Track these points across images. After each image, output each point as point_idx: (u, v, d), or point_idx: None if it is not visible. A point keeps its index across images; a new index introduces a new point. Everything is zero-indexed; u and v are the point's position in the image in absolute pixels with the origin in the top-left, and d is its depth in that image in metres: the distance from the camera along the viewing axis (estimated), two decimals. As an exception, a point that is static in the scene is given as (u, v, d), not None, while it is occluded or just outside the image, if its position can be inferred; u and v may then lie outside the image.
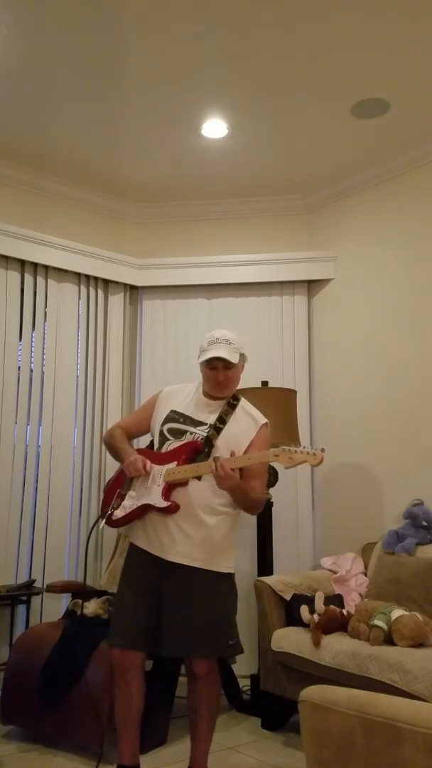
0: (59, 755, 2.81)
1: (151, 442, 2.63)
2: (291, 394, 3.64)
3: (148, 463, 2.46)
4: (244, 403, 2.58)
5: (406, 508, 3.43)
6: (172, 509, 2.38)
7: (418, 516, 3.32)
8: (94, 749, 2.76)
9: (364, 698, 1.32)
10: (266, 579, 3.17)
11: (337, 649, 2.70)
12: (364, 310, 4.03)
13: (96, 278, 4.26)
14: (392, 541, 3.31)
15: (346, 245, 4.20)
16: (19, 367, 3.93)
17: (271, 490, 3.54)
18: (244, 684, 3.54)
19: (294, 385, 4.11)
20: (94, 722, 2.72)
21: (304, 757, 1.43)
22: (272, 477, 3.47)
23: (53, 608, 3.78)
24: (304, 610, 2.98)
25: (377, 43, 2.95)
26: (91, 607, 3.21)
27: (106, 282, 4.32)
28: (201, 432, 2.48)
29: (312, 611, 2.97)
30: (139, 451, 2.56)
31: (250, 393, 3.14)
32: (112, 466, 4.07)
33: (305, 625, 2.95)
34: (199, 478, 2.40)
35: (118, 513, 2.49)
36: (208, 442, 2.44)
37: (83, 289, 4.23)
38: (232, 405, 2.54)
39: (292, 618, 3.05)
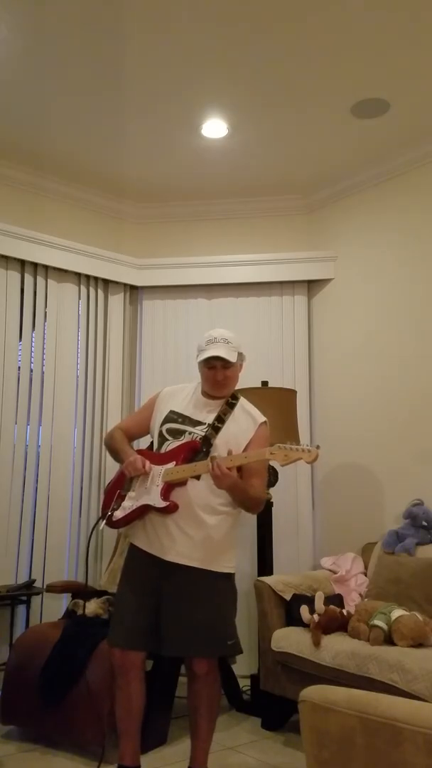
0: (59, 755, 2.81)
1: (151, 443, 2.63)
2: (291, 394, 3.64)
3: (147, 463, 2.46)
4: (243, 402, 2.58)
5: (406, 508, 3.43)
6: (171, 509, 2.38)
7: (418, 516, 3.32)
8: (94, 749, 2.76)
9: (364, 698, 1.32)
10: (266, 579, 3.17)
11: (337, 649, 2.70)
12: (364, 310, 4.03)
13: (96, 278, 4.26)
14: (392, 541, 3.31)
15: (346, 245, 4.20)
16: (19, 367, 3.93)
17: (271, 490, 3.54)
18: (244, 684, 3.54)
19: (294, 385, 4.11)
20: (94, 722, 2.72)
21: (304, 757, 1.43)
22: (272, 477, 3.47)
23: (53, 608, 3.78)
24: (304, 610, 2.98)
25: (377, 43, 2.95)
26: (91, 607, 3.21)
27: (106, 282, 4.32)
28: (199, 432, 2.48)
29: (312, 611, 2.97)
30: (139, 451, 2.56)
31: (250, 393, 3.14)
32: (112, 467, 4.07)
33: (305, 625, 2.94)
34: (198, 477, 2.40)
35: (118, 514, 2.49)
36: (207, 442, 2.44)
37: (83, 289, 4.23)
38: (230, 404, 2.54)
39: (292, 618, 3.05)
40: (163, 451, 2.50)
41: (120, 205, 4.49)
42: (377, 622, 2.70)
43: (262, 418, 2.56)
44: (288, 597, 3.12)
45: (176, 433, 2.50)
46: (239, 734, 3.11)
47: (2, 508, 3.74)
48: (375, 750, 1.27)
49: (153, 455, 2.51)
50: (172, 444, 2.49)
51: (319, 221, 4.39)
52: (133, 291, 4.47)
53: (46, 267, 4.06)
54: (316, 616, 2.91)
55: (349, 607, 3.11)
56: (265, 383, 3.73)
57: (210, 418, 2.50)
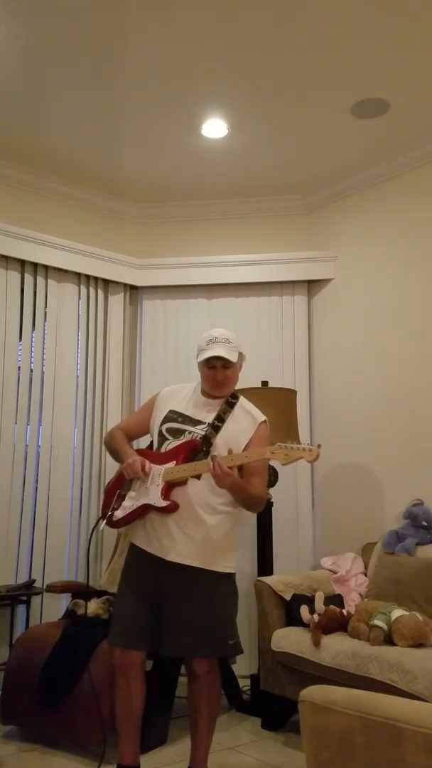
0: (59, 755, 2.81)
1: (152, 442, 2.63)
2: (291, 394, 3.64)
3: (147, 463, 2.46)
4: (243, 401, 2.58)
5: (406, 508, 3.43)
6: (171, 509, 2.38)
7: (418, 516, 3.32)
8: (94, 749, 2.76)
9: (364, 698, 1.32)
10: (266, 579, 3.17)
11: (337, 649, 2.70)
12: (364, 310, 4.03)
13: (96, 278, 4.26)
14: (392, 541, 3.31)
15: (346, 245, 4.20)
16: (19, 367, 3.93)
17: (271, 490, 3.53)
18: (244, 684, 3.55)
19: (294, 385, 4.11)
20: (94, 722, 2.72)
21: (304, 757, 1.43)
22: (272, 477, 3.47)
23: (53, 608, 3.79)
24: (304, 610, 2.98)
25: (377, 43, 2.95)
26: (91, 607, 3.21)
27: (106, 282, 4.32)
28: (199, 431, 2.48)
29: (312, 611, 2.97)
30: (139, 451, 2.56)
31: (250, 393, 3.13)
32: (112, 467, 4.07)
33: (305, 625, 2.94)
34: (198, 477, 2.40)
35: (119, 513, 2.49)
36: (207, 441, 2.44)
37: (83, 289, 4.23)
38: (230, 403, 2.54)
39: (292, 618, 3.05)
40: (163, 450, 2.50)
41: (120, 205, 4.49)
42: (377, 622, 2.70)
43: (262, 417, 2.56)
44: (288, 597, 3.12)
45: (176, 433, 2.50)
46: (239, 734, 3.11)
47: (2, 508, 3.74)
48: (375, 750, 1.27)
49: (153, 455, 2.51)
50: (172, 443, 2.49)
51: (319, 221, 4.39)
52: (133, 291, 4.47)
53: (46, 267, 4.06)
54: (316, 616, 2.91)
55: (349, 607, 3.11)
56: (265, 383, 3.73)
57: (210, 418, 2.50)
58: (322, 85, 3.26)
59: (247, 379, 2.65)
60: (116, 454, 2.61)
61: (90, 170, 4.11)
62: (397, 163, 3.89)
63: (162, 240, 4.54)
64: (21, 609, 3.72)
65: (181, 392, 2.63)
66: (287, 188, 4.32)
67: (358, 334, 4.04)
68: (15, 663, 2.99)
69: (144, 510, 2.44)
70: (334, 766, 1.34)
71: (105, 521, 2.53)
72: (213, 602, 2.40)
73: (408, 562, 3.16)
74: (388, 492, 3.75)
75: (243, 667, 3.63)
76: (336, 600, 3.13)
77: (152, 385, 4.26)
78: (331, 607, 2.96)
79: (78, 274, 4.20)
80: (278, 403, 3.45)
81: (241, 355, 2.55)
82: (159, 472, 2.43)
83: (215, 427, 2.47)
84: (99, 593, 3.40)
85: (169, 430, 2.52)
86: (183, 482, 2.41)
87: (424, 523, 3.31)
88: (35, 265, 4.03)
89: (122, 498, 2.51)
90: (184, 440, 2.47)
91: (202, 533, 2.39)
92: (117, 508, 2.50)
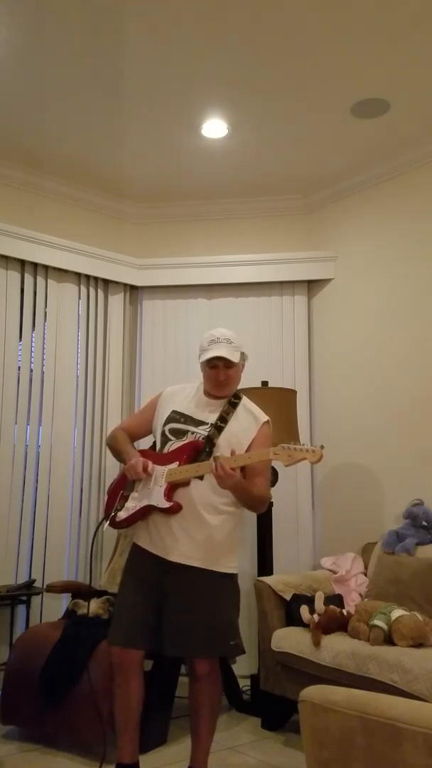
0: (59, 755, 2.81)
1: (154, 443, 2.63)
2: (291, 394, 3.64)
3: (150, 464, 2.45)
4: (245, 401, 2.58)
5: (406, 508, 3.43)
6: (174, 509, 2.38)
7: (418, 516, 3.32)
8: (95, 749, 2.76)
9: (364, 698, 1.32)
10: (266, 579, 3.17)
11: (337, 649, 2.70)
12: (364, 310, 4.03)
13: (96, 278, 4.26)
14: (392, 541, 3.31)
15: (346, 245, 4.20)
16: (19, 367, 3.93)
17: (272, 490, 3.53)
18: (244, 684, 3.55)
19: (294, 385, 4.11)
20: (94, 722, 2.72)
21: (304, 757, 1.43)
22: (272, 477, 3.47)
23: (53, 608, 3.79)
24: (304, 610, 2.98)
25: (377, 42, 2.95)
26: (92, 607, 3.21)
27: (106, 282, 4.32)
28: (202, 431, 2.48)
29: (312, 611, 2.97)
30: (141, 452, 2.56)
31: (250, 393, 3.13)
32: (112, 467, 4.08)
33: (305, 625, 2.94)
34: (201, 477, 2.40)
35: (122, 514, 2.49)
36: (210, 442, 2.44)
37: (83, 289, 4.23)
38: (233, 404, 2.54)
39: (292, 618, 3.05)
40: (165, 451, 2.50)
41: (120, 205, 4.49)
42: (377, 622, 2.70)
43: (265, 418, 2.56)
44: (288, 597, 3.12)
45: (179, 433, 2.50)
46: (239, 734, 3.11)
47: (2, 508, 3.74)
48: (375, 750, 1.27)
49: (156, 455, 2.51)
50: (174, 444, 2.49)
51: (319, 221, 4.39)
52: (133, 291, 4.47)
53: (46, 267, 4.06)
54: (316, 616, 2.91)
55: (349, 607, 3.11)
56: (265, 383, 3.73)
57: (212, 418, 2.50)
58: (322, 85, 3.26)
59: (247, 379, 2.65)
60: (119, 455, 2.61)
61: (90, 170, 4.11)
62: (397, 163, 3.89)
63: (162, 240, 4.54)
64: (21, 609, 3.72)
65: (183, 392, 2.63)
66: (287, 188, 4.32)
67: (358, 334, 4.04)
68: (15, 663, 2.99)
69: (147, 511, 2.44)
70: (334, 766, 1.34)
71: (108, 522, 2.53)
72: (215, 603, 2.40)
73: (408, 562, 3.16)
74: (388, 492, 3.75)
75: (243, 667, 3.63)
76: (336, 600, 3.13)
77: (152, 385, 4.27)
78: (331, 607, 2.96)
79: (78, 274, 4.20)
80: (278, 403, 3.45)
81: (243, 355, 2.55)
82: (162, 473, 2.43)
83: (218, 427, 2.47)
84: (99, 593, 3.40)
85: (172, 431, 2.52)
86: (186, 483, 2.40)
87: (424, 523, 3.31)
88: (35, 265, 4.03)
89: (125, 499, 2.51)
90: (186, 441, 2.47)
91: (204, 533, 2.39)
92: (120, 509, 2.50)
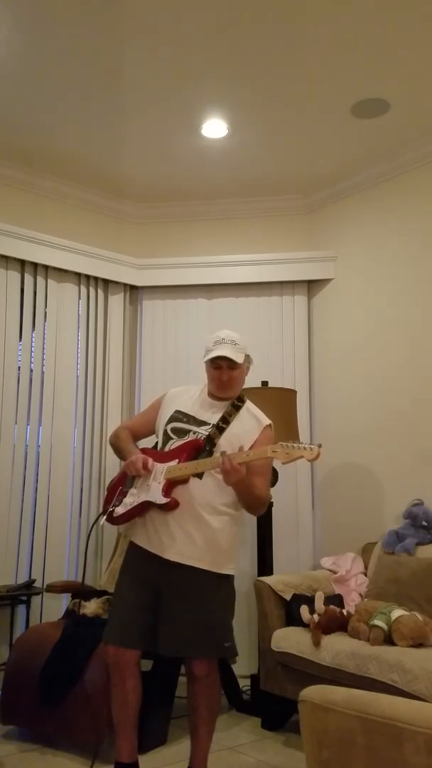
0: (59, 755, 2.81)
1: (156, 442, 2.64)
2: (291, 394, 3.64)
3: (150, 461, 2.46)
4: (249, 404, 2.59)
5: (406, 508, 3.43)
6: (171, 506, 2.38)
7: (418, 516, 3.32)
8: (94, 749, 2.76)
9: (364, 698, 1.32)
10: (266, 579, 3.17)
11: (337, 649, 2.70)
12: (364, 310, 4.03)
13: (96, 278, 4.26)
14: (392, 541, 3.31)
15: (346, 245, 4.20)
16: (19, 367, 3.93)
17: (271, 490, 3.53)
18: (244, 684, 3.54)
19: (294, 385, 4.11)
20: (93, 722, 2.72)
21: (304, 757, 1.43)
22: (272, 477, 3.46)
23: (53, 608, 3.79)
24: (304, 610, 2.98)
25: (377, 43, 2.95)
26: (91, 607, 3.21)
27: (106, 282, 4.32)
28: (204, 431, 2.48)
29: (312, 611, 2.97)
30: (143, 450, 2.57)
31: (250, 393, 3.13)
32: (112, 467, 4.08)
33: (305, 625, 2.94)
34: (200, 476, 2.40)
35: (119, 510, 2.49)
36: (210, 441, 2.45)
37: (83, 289, 4.23)
38: (236, 406, 2.54)
39: (292, 618, 3.05)
40: (166, 449, 2.50)
41: (120, 205, 4.49)
42: (377, 622, 2.70)
43: (267, 421, 2.56)
44: (288, 597, 3.12)
45: (181, 432, 2.51)
46: (239, 734, 3.10)
47: (2, 508, 3.74)
48: (375, 750, 1.27)
49: (156, 453, 2.52)
50: (176, 442, 2.49)
51: (319, 221, 4.39)
52: (133, 291, 4.47)
53: (46, 267, 4.06)
54: (316, 616, 2.91)
55: (349, 607, 3.11)
56: (265, 383, 3.74)
57: (215, 419, 2.50)
58: (322, 85, 3.26)
59: (247, 378, 2.65)
60: (120, 453, 2.62)
61: (90, 170, 4.11)
62: (397, 163, 3.89)
63: (162, 240, 4.54)
64: (21, 609, 3.72)
65: (187, 393, 2.64)
66: (287, 188, 4.31)
67: (358, 334, 4.04)
68: (15, 663, 3.00)
69: (144, 507, 2.44)
70: (334, 766, 1.34)
71: (105, 517, 2.53)
72: (210, 603, 2.39)
73: (408, 562, 3.16)
74: (388, 492, 3.75)
75: (243, 667, 3.63)
76: (336, 600, 3.13)
77: (152, 385, 4.27)
78: (331, 607, 2.96)
79: (78, 274, 4.20)
80: (278, 403, 3.45)
81: (247, 358, 2.56)
82: (161, 470, 2.43)
83: (219, 428, 2.47)
84: (99, 593, 3.40)
85: (174, 430, 2.52)
86: (185, 481, 2.41)
87: (424, 523, 3.31)
88: (35, 265, 4.03)
89: (124, 495, 2.52)
90: (187, 439, 2.48)
91: (202, 533, 2.39)
92: (118, 505, 2.50)
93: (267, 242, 4.41)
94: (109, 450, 2.75)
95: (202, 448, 2.44)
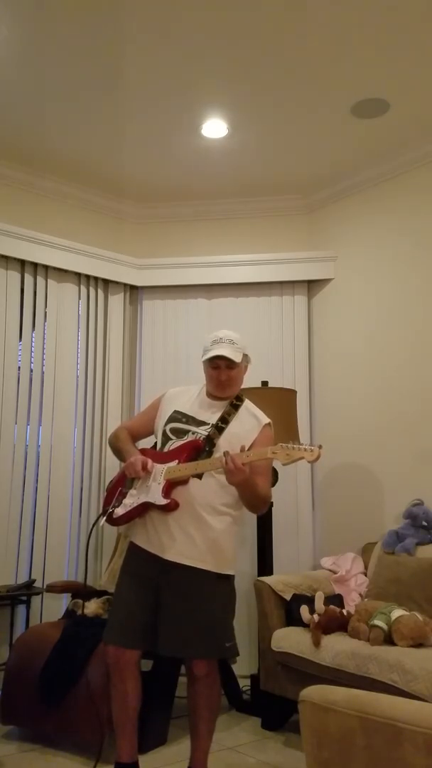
0: (59, 755, 2.81)
1: (155, 443, 2.63)
2: (291, 394, 3.64)
3: (150, 462, 2.46)
4: (248, 404, 2.58)
5: (406, 508, 3.43)
6: (171, 507, 2.38)
7: (418, 516, 3.32)
8: (94, 749, 2.76)
9: (364, 698, 1.32)
10: (266, 579, 3.17)
11: (337, 649, 2.70)
12: (364, 310, 4.03)
13: (96, 278, 4.26)
14: (392, 541, 3.31)
15: (346, 245, 4.20)
16: (19, 367, 3.93)
17: (272, 490, 3.53)
18: (244, 684, 3.55)
19: (294, 385, 4.11)
20: (94, 722, 2.72)
21: (304, 757, 1.43)
22: (273, 477, 3.47)
23: (53, 608, 3.79)
24: (304, 610, 2.98)
25: (377, 43, 2.95)
26: (91, 607, 3.21)
27: (106, 282, 4.32)
28: (203, 431, 2.48)
29: (312, 611, 2.97)
30: (142, 450, 2.56)
31: (250, 393, 3.13)
32: (112, 467, 4.08)
33: (305, 625, 2.94)
34: (200, 476, 2.40)
35: (119, 511, 2.49)
36: (210, 441, 2.45)
37: (83, 289, 4.23)
38: (235, 405, 2.54)
39: (292, 618, 3.05)
40: (166, 450, 2.50)
41: (120, 205, 4.49)
42: (377, 622, 2.70)
43: (267, 420, 2.56)
44: (288, 597, 3.12)
45: (180, 433, 2.51)
46: (239, 734, 3.11)
47: (2, 508, 3.74)
48: (375, 750, 1.27)
49: (156, 454, 2.52)
50: (175, 443, 2.49)
51: (319, 221, 4.39)
52: (133, 291, 4.47)
53: (46, 267, 4.06)
54: (316, 616, 2.91)
55: (349, 607, 3.11)
56: (265, 383, 3.73)
57: (214, 419, 2.50)
58: (322, 85, 3.26)
59: (247, 378, 2.65)
60: (119, 454, 2.62)
61: (90, 170, 4.11)
62: (397, 163, 3.89)
63: (162, 240, 4.54)
64: (21, 609, 3.72)
65: (186, 394, 2.64)
66: (287, 188, 4.31)
67: (358, 334, 4.04)
68: (15, 663, 3.00)
69: (144, 508, 2.44)
70: (334, 766, 1.34)
71: (105, 518, 2.53)
72: (211, 604, 2.39)
73: (408, 562, 3.16)
74: (388, 492, 3.75)
75: (243, 667, 3.63)
76: (336, 600, 3.13)
77: (152, 385, 4.27)
78: (331, 607, 2.96)
79: (78, 274, 4.20)
80: (278, 403, 3.45)
81: (246, 357, 2.55)
82: (161, 471, 2.43)
83: (219, 428, 2.47)
84: (99, 593, 3.40)
85: (173, 430, 2.52)
86: (184, 481, 2.40)
87: (424, 523, 3.31)
88: (35, 265, 4.03)
89: (123, 496, 2.51)
90: (187, 440, 2.47)
91: (202, 533, 2.39)
92: (118, 506, 2.50)
93: (267, 242, 4.41)
94: (110, 450, 2.75)
95: (202, 449, 2.44)
